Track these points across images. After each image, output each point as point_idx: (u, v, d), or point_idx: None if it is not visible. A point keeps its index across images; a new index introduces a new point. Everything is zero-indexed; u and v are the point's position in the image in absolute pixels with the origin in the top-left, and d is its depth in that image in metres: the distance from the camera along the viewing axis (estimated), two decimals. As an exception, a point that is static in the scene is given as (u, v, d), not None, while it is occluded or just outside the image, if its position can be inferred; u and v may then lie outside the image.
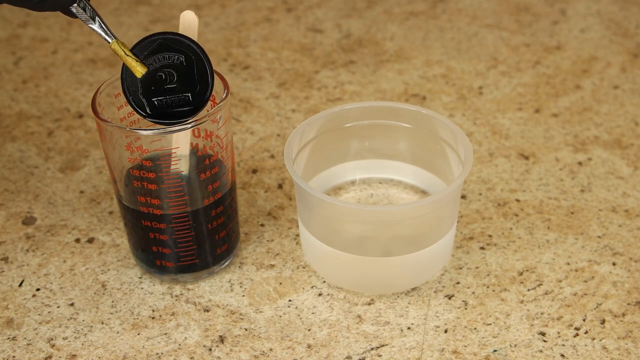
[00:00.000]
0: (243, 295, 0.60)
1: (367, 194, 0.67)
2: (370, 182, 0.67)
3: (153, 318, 0.59)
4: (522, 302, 0.60)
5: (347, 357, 0.56)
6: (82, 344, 0.57)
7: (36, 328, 0.59)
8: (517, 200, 0.68)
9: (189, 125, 0.55)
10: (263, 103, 0.79)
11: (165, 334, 0.58)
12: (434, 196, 0.56)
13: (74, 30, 0.89)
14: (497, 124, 0.76)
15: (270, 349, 0.57)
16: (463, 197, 0.68)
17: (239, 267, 0.63)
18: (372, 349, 0.57)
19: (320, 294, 0.60)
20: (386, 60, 0.84)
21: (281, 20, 0.91)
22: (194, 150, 0.57)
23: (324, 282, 0.61)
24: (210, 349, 0.57)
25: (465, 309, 0.59)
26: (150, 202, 0.57)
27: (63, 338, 0.58)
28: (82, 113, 0.78)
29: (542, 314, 0.59)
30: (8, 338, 0.58)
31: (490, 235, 0.65)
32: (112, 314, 0.59)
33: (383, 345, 0.57)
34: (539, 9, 0.92)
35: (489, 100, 0.78)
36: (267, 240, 0.65)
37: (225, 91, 0.57)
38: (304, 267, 0.62)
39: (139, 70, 0.55)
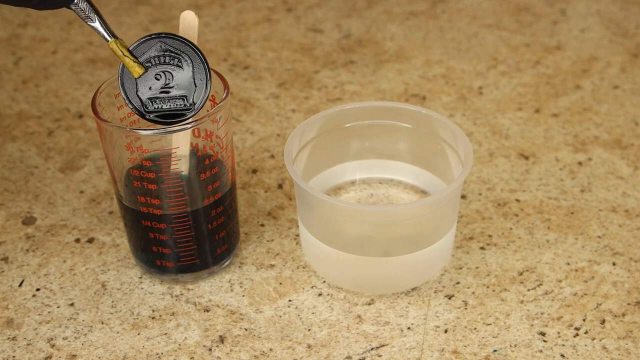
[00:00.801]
0: (243, 295, 0.60)
1: (367, 194, 0.67)
2: (370, 182, 0.67)
3: (153, 318, 0.59)
4: (522, 302, 0.60)
5: (347, 357, 0.56)
6: (82, 344, 0.57)
7: (36, 328, 0.59)
8: (517, 200, 0.68)
9: (189, 125, 0.55)
10: (263, 103, 0.79)
11: (165, 334, 0.58)
12: (434, 196, 0.56)
13: (74, 30, 0.89)
14: (497, 124, 0.76)
15: (270, 349, 0.57)
16: (463, 197, 0.68)
17: (239, 267, 0.63)
18: (372, 349, 0.57)
19: (320, 294, 0.60)
20: (386, 60, 0.84)
21: (281, 20, 0.91)
22: (194, 150, 0.57)
23: (324, 282, 0.61)
24: (210, 349, 0.57)
25: (465, 309, 0.59)
26: (150, 202, 0.57)
27: (63, 338, 0.58)
28: (82, 113, 0.78)
29: (542, 314, 0.59)
30: (8, 338, 0.58)
31: (490, 235, 0.65)
32: (112, 314, 0.59)
33: (383, 345, 0.57)
34: (539, 9, 0.92)
35: (489, 100, 0.78)
36: (267, 240, 0.65)
37: (225, 91, 0.57)
38: (304, 267, 0.63)
39: (137, 70, 0.55)
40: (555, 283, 0.61)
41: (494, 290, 0.60)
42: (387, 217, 0.57)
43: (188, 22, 0.56)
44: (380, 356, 0.56)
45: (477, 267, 0.62)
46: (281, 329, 0.58)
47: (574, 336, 0.57)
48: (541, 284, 0.61)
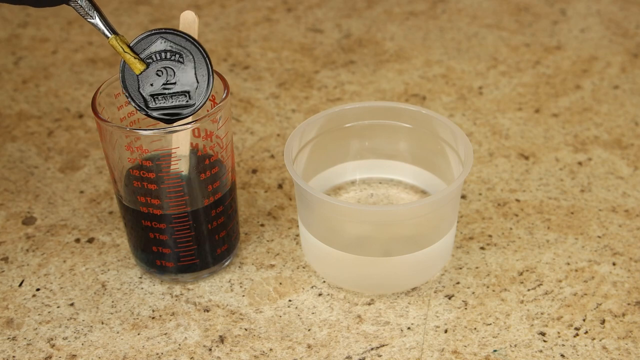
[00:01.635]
0: (243, 295, 0.60)
1: (367, 194, 0.67)
2: (370, 182, 0.67)
3: (153, 318, 0.59)
4: (522, 302, 0.60)
5: (347, 357, 0.56)
6: (82, 344, 0.57)
7: (36, 328, 0.59)
8: (517, 200, 0.68)
9: (189, 126, 0.55)
10: (263, 103, 0.79)
11: (165, 334, 0.58)
12: (434, 196, 0.56)
13: (74, 30, 0.89)
14: (497, 124, 0.76)
15: (270, 349, 0.57)
16: (463, 197, 0.68)
17: (239, 267, 0.63)
18: (372, 349, 0.57)
19: (320, 294, 0.60)
20: (386, 60, 0.84)
21: (281, 20, 0.91)
22: (194, 150, 0.57)
23: (324, 282, 0.61)
24: (210, 349, 0.57)
25: (465, 309, 0.59)
26: (150, 202, 0.57)
27: (63, 338, 0.58)
28: (82, 113, 0.78)
29: (542, 314, 0.59)
30: (8, 338, 0.58)
31: (490, 235, 0.65)
32: (112, 314, 0.59)
33: (383, 345, 0.57)
34: (539, 9, 0.92)
35: (489, 100, 0.78)
36: (267, 240, 0.65)
37: (225, 91, 0.57)
38: (304, 267, 0.63)
39: (138, 67, 0.54)
40: (555, 283, 0.61)
41: (494, 290, 0.60)
42: (387, 217, 0.57)
43: (188, 22, 0.56)
44: (380, 356, 0.56)
45: (477, 267, 0.62)
46: (281, 329, 0.58)
47: (574, 336, 0.57)
48: (541, 284, 0.61)
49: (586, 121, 0.76)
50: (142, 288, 0.61)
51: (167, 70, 0.55)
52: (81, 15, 0.53)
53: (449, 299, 0.60)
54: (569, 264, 0.62)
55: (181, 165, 0.56)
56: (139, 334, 0.58)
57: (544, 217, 0.66)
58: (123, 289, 0.61)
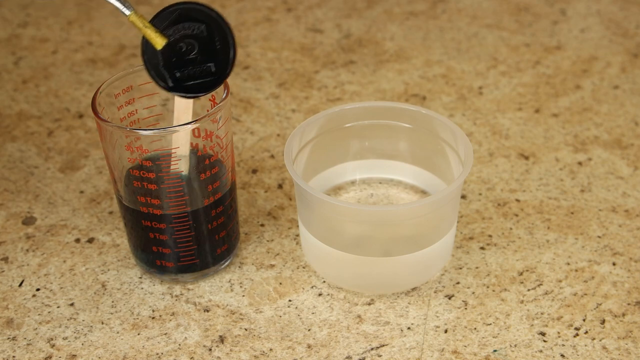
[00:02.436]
0: (243, 295, 0.60)
1: (367, 194, 0.67)
2: (370, 182, 0.67)
3: (153, 318, 0.59)
4: (522, 302, 0.60)
5: (347, 357, 0.56)
6: (82, 344, 0.57)
7: (36, 328, 0.59)
8: (517, 200, 0.68)
9: (189, 126, 0.55)
10: (263, 103, 0.79)
11: (165, 334, 0.58)
12: (434, 196, 0.56)
13: (74, 30, 0.89)
14: (497, 124, 0.76)
15: (270, 349, 0.57)
16: (463, 197, 0.68)
17: (239, 267, 0.63)
18: (372, 349, 0.57)
19: (320, 294, 0.60)
20: (386, 60, 0.84)
21: (281, 20, 0.91)
22: (194, 150, 0.57)
23: (324, 282, 0.61)
24: (210, 349, 0.57)
25: (465, 309, 0.59)
26: (150, 202, 0.57)
27: (63, 338, 0.58)
28: (82, 113, 0.78)
29: (542, 314, 0.59)
30: (8, 338, 0.58)
31: (490, 235, 0.65)
32: (112, 314, 0.59)
33: (383, 345, 0.57)
34: (539, 9, 0.92)
35: (489, 100, 0.78)
36: (267, 240, 0.65)
37: (225, 91, 0.57)
38: (304, 267, 0.63)
39: (159, 41, 0.53)
40: (555, 283, 0.61)
41: (494, 290, 0.60)
42: (387, 217, 0.57)
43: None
44: (380, 356, 0.56)
45: (477, 267, 0.62)
46: (281, 329, 0.58)
47: (574, 336, 0.57)
48: (541, 284, 0.61)
49: (586, 121, 0.76)
50: (142, 288, 0.61)
51: (186, 42, 0.53)
52: None
53: (449, 299, 0.60)
54: (569, 264, 0.62)
55: (181, 165, 0.56)
56: (139, 334, 0.58)
57: (544, 217, 0.66)
58: (123, 289, 0.61)
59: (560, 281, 0.61)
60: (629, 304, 0.59)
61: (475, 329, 0.58)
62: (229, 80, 0.81)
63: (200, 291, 0.61)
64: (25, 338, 0.58)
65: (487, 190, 0.69)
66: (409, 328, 0.58)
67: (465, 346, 0.57)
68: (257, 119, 0.77)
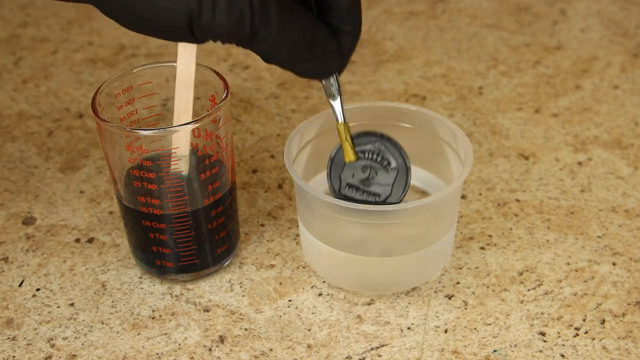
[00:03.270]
0: (243, 295, 0.60)
1: (367, 194, 0.67)
2: (370, 182, 0.67)
3: (153, 318, 0.59)
4: (522, 302, 0.60)
5: (347, 357, 0.56)
6: (82, 344, 0.57)
7: (36, 328, 0.59)
8: (517, 200, 0.68)
9: (189, 126, 0.55)
10: (263, 103, 0.79)
11: (165, 334, 0.58)
12: (434, 196, 0.56)
13: (74, 30, 0.89)
14: (497, 124, 0.76)
15: (270, 349, 0.57)
16: (463, 197, 0.68)
17: (239, 267, 0.63)
18: (372, 349, 0.57)
19: (320, 294, 0.60)
20: (386, 60, 0.84)
21: (281, 20, 0.90)
22: (194, 150, 0.57)
23: (324, 282, 0.61)
24: (210, 349, 0.57)
25: (465, 309, 0.59)
26: (150, 202, 0.57)
27: (63, 338, 0.58)
28: (82, 113, 0.78)
29: (542, 314, 0.59)
30: (8, 338, 0.58)
31: (490, 235, 0.65)
32: (112, 314, 0.59)
33: (383, 345, 0.57)
34: (539, 9, 0.92)
35: (489, 100, 0.78)
36: (267, 240, 0.65)
37: (225, 91, 0.57)
38: (304, 267, 0.62)
39: (351, 156, 0.57)
40: (555, 283, 0.61)
41: (494, 290, 0.60)
42: (387, 217, 0.57)
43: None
44: (380, 356, 0.56)
45: (477, 267, 0.62)
46: (281, 329, 0.58)
47: (574, 336, 0.57)
48: (541, 284, 0.61)
49: (586, 121, 0.76)
50: (142, 288, 0.61)
51: (371, 169, 0.58)
52: (326, 93, 0.56)
53: (449, 299, 0.60)
54: (569, 264, 0.62)
55: (181, 165, 0.56)
56: (139, 334, 0.58)
57: (544, 217, 0.66)
58: (123, 289, 0.61)
59: (560, 281, 0.61)
60: (629, 304, 0.59)
61: (475, 329, 0.58)
62: (229, 80, 0.81)
63: (200, 291, 0.61)
64: (25, 338, 0.58)
65: (487, 190, 0.69)
66: (409, 328, 0.58)
67: (465, 346, 0.57)
68: (257, 119, 0.77)
